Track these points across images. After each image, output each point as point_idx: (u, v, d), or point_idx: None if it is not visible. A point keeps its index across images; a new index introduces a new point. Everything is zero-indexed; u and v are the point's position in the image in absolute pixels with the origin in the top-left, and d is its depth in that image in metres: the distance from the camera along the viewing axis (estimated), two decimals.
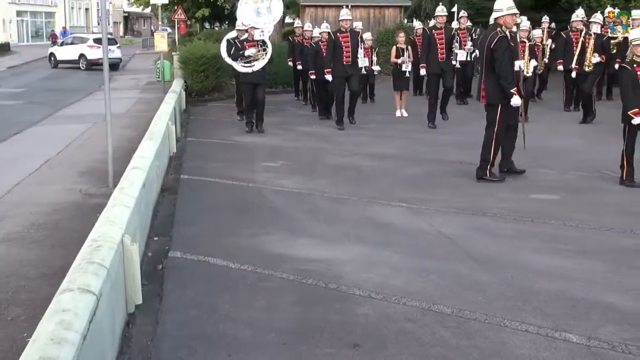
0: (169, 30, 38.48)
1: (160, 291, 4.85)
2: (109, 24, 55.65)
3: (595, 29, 12.96)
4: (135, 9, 50.46)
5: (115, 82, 22.41)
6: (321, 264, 5.33)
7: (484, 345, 3.94)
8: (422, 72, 12.76)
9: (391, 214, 6.80)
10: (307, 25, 16.33)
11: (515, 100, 7.89)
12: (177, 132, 11.53)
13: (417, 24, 18.70)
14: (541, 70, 14.56)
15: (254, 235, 6.12)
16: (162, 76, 18.37)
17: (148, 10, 46.44)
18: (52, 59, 31.83)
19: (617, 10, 16.66)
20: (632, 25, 13.45)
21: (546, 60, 14.90)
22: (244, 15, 13.21)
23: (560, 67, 14.02)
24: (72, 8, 63.94)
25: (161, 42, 18.44)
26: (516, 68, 8.11)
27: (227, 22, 38.11)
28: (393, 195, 7.55)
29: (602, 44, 13.00)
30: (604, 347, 3.89)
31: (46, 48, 36.84)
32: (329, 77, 12.46)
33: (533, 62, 12.54)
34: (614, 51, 14.25)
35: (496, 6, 7.99)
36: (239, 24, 13.42)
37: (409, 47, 14.30)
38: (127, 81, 24.76)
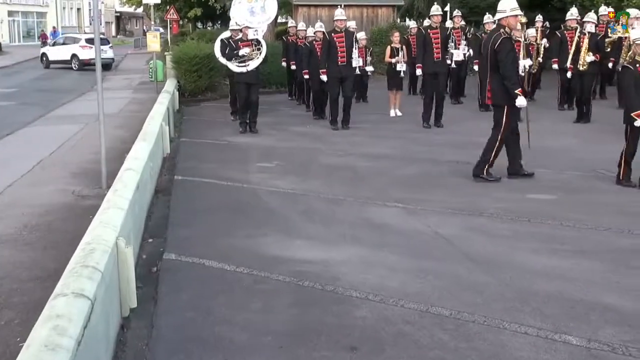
0: (161, 30, 38.35)
1: (155, 294, 4.79)
2: (101, 24, 55.37)
3: (590, 28, 12.96)
4: (127, 8, 50.42)
5: (108, 82, 22.28)
6: (317, 265, 5.28)
7: (483, 348, 3.91)
8: (418, 72, 12.73)
9: (387, 215, 6.76)
10: (301, 25, 16.30)
11: (520, 101, 7.87)
12: (171, 133, 11.46)
13: (411, 23, 18.63)
14: (535, 70, 14.57)
15: (249, 237, 6.06)
16: (155, 76, 18.27)
17: (140, 10, 46.41)
18: (44, 59, 31.66)
19: (611, 9, 16.66)
20: (632, 25, 13.44)
21: (540, 59, 14.91)
22: (238, 15, 13.11)
23: (555, 66, 14.04)
24: (64, 8, 63.63)
25: (154, 42, 18.36)
26: (521, 68, 8.09)
27: (219, 22, 38.08)
28: (389, 195, 7.51)
29: (596, 43, 13.01)
30: (604, 349, 3.86)
31: (38, 48, 36.66)
32: (324, 78, 12.43)
33: (528, 61, 12.53)
34: (608, 49, 14.27)
35: (499, 7, 8.01)
36: (232, 24, 13.34)
37: (404, 47, 14.27)
38: (119, 81, 24.65)
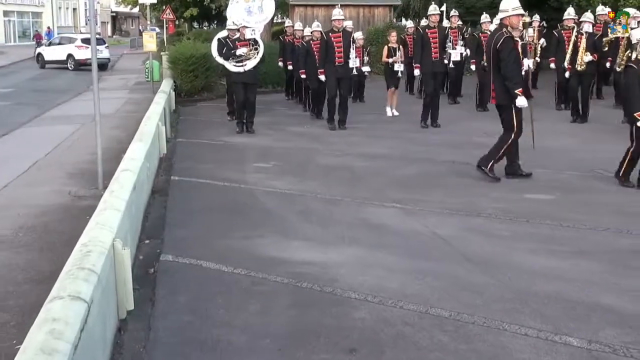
0: (157, 30, 38.25)
1: (152, 296, 4.75)
2: (96, 24, 55.30)
3: (587, 28, 12.94)
4: (123, 8, 50.19)
5: (104, 83, 22.24)
6: (316, 266, 5.25)
7: (483, 349, 3.88)
8: (416, 72, 12.71)
9: (385, 215, 6.73)
10: (298, 25, 16.27)
11: (521, 101, 7.84)
12: (167, 133, 11.41)
13: (408, 23, 18.62)
14: (533, 69, 14.54)
15: (247, 238, 6.03)
16: (151, 76, 18.22)
17: (136, 10, 46.24)
18: (40, 59, 31.57)
19: (610, 9, 16.65)
20: (631, 25, 13.42)
21: (537, 59, 14.89)
22: (235, 14, 13.10)
23: (552, 65, 14.02)
24: (60, 8, 63.41)
25: (150, 42, 18.32)
26: (524, 67, 8.07)
27: (215, 22, 38.01)
28: (386, 195, 7.48)
29: (594, 43, 12.99)
30: (605, 350, 3.83)
31: (33, 48, 36.53)
32: (322, 78, 12.40)
33: (526, 61, 12.49)
34: (606, 48, 14.25)
35: (501, 7, 7.99)
36: (229, 23, 13.31)
37: (401, 47, 14.25)
38: (115, 81, 24.59)
